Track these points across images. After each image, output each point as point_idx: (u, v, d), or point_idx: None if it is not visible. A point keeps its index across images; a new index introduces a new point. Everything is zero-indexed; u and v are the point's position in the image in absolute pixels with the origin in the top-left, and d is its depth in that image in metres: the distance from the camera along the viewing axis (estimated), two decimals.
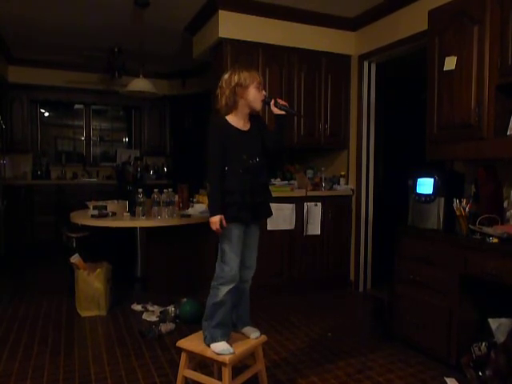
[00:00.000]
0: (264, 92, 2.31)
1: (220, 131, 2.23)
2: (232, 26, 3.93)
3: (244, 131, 2.29)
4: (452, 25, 2.78)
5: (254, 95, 2.25)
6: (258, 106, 2.29)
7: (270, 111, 2.34)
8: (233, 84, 2.22)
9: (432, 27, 2.96)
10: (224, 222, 2.17)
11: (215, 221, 2.17)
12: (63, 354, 2.85)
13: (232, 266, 2.21)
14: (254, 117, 2.34)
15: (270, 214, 2.42)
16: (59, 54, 5.98)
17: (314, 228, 4.24)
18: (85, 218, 3.73)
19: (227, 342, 2.16)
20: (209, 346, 2.15)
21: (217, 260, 2.27)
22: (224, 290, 2.21)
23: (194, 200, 4.15)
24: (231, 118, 2.27)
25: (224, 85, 2.25)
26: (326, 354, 2.90)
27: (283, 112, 2.31)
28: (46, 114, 7.13)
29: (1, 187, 5.34)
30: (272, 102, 2.29)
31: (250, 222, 2.29)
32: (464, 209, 2.67)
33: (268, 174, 2.43)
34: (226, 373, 2.06)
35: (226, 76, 2.27)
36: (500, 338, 2.50)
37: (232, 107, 2.25)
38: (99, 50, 5.55)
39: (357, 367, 2.72)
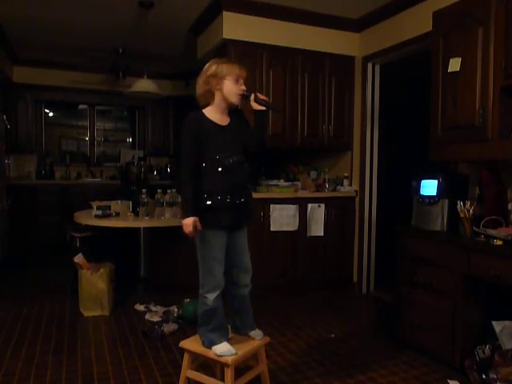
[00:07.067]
0: (243, 87, 2.19)
1: (194, 125, 2.12)
2: (236, 27, 3.94)
3: (222, 126, 2.18)
4: (456, 26, 2.77)
5: (229, 88, 2.15)
6: (233, 99, 2.17)
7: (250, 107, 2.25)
8: (208, 73, 2.15)
9: (436, 28, 2.95)
10: (199, 224, 2.07)
11: (188, 223, 2.05)
12: (66, 354, 2.86)
13: (214, 273, 2.13)
14: (234, 112, 2.25)
15: (251, 216, 2.33)
16: (64, 55, 6.01)
17: (318, 229, 4.24)
18: (88, 217, 3.75)
19: (228, 342, 2.14)
20: (210, 349, 2.13)
21: (199, 267, 2.19)
22: (211, 297, 2.14)
23: None
24: (208, 111, 2.18)
25: (201, 74, 2.19)
26: (328, 356, 2.90)
27: (263, 107, 2.22)
28: (51, 114, 7.16)
29: (5, 187, 5.36)
30: (252, 96, 2.20)
31: (233, 228, 2.19)
32: (468, 211, 2.66)
33: (248, 174, 2.29)
34: (229, 374, 2.06)
35: (206, 66, 2.20)
36: (504, 340, 2.49)
37: (208, 99, 2.17)
38: (103, 51, 5.58)
39: (360, 369, 2.71)
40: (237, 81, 2.17)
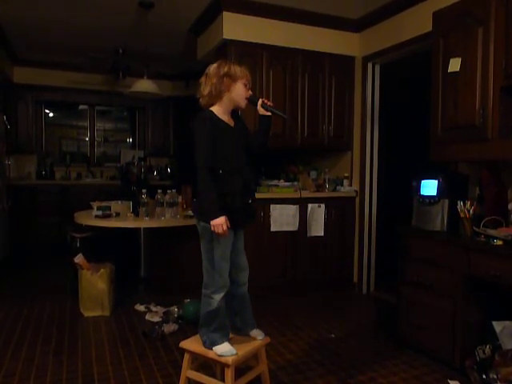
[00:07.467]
0: (250, 91, 2.22)
1: (210, 124, 2.08)
2: (236, 27, 3.94)
3: (231, 126, 2.18)
4: (456, 26, 2.77)
5: (240, 91, 2.16)
6: (242, 102, 2.19)
7: (255, 112, 2.27)
8: (222, 73, 2.12)
9: (436, 29, 2.95)
10: (228, 223, 2.05)
11: (220, 222, 2.01)
12: (66, 354, 2.86)
13: (222, 273, 2.13)
14: (234, 114, 2.25)
15: (255, 216, 2.35)
16: (64, 55, 6.01)
17: (318, 229, 4.24)
18: (89, 218, 3.75)
19: (229, 342, 2.14)
20: (211, 349, 2.13)
21: (203, 266, 2.18)
22: (217, 297, 2.14)
23: None
24: (217, 111, 2.14)
25: (211, 73, 2.15)
26: (328, 356, 2.90)
27: (269, 113, 2.25)
28: (51, 115, 7.17)
29: (5, 187, 5.36)
30: (259, 102, 2.22)
31: (241, 227, 2.22)
32: (468, 211, 2.66)
33: (254, 174, 2.29)
34: (229, 374, 2.06)
35: (215, 65, 2.18)
36: (504, 340, 2.49)
37: (216, 98, 2.14)
38: (104, 51, 5.58)
39: (360, 369, 2.71)
40: (246, 85, 2.18)
